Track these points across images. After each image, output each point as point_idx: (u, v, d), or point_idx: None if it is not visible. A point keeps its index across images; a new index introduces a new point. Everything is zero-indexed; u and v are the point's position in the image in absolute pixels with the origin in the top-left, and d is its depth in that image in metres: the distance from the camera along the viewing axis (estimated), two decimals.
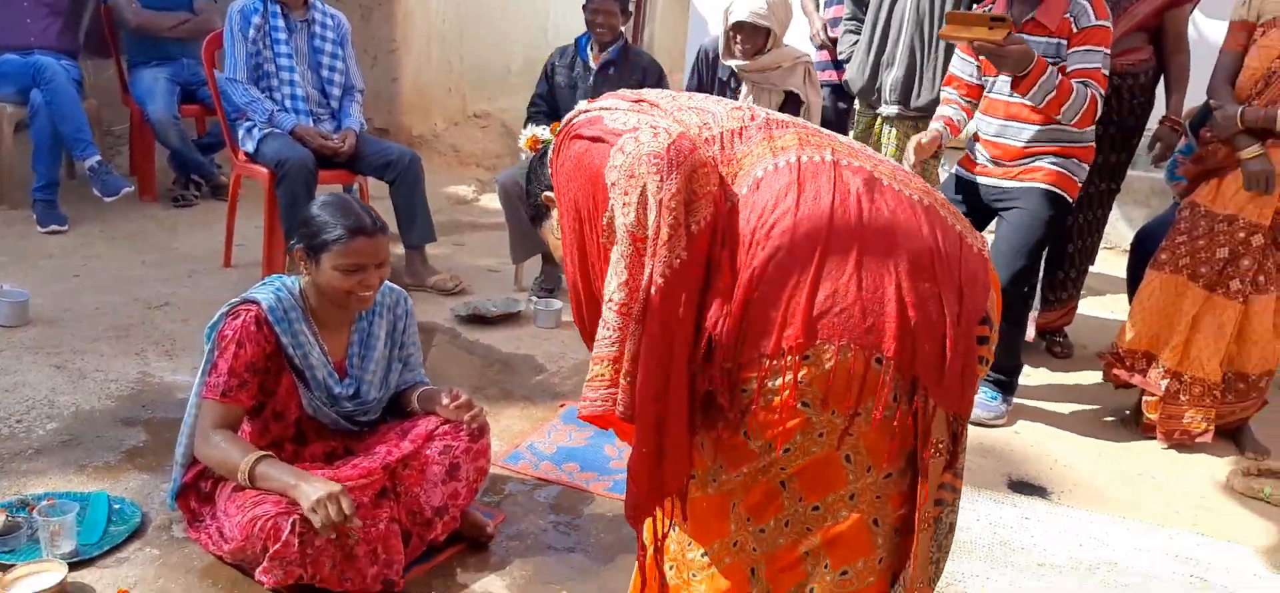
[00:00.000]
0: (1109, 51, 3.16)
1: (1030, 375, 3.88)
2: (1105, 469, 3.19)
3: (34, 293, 3.59)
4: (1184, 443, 3.32)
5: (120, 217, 4.72)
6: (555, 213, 1.68)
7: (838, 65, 4.50)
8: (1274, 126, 3.04)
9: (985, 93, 3.37)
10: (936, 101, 3.87)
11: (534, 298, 4.15)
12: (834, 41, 4.47)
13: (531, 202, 1.77)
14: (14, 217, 4.61)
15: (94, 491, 2.48)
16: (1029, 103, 3.11)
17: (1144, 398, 3.37)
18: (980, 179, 3.39)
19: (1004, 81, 3.24)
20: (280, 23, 4.13)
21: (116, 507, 2.43)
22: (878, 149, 3.95)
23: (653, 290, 1.39)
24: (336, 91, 4.28)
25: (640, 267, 1.41)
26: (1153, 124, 3.99)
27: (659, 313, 1.39)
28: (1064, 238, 4.00)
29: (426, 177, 4.31)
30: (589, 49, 4.31)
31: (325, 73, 4.25)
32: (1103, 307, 4.92)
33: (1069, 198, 3.27)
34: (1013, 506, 2.88)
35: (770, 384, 1.38)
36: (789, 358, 1.37)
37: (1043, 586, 2.50)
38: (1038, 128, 3.21)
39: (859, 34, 4.18)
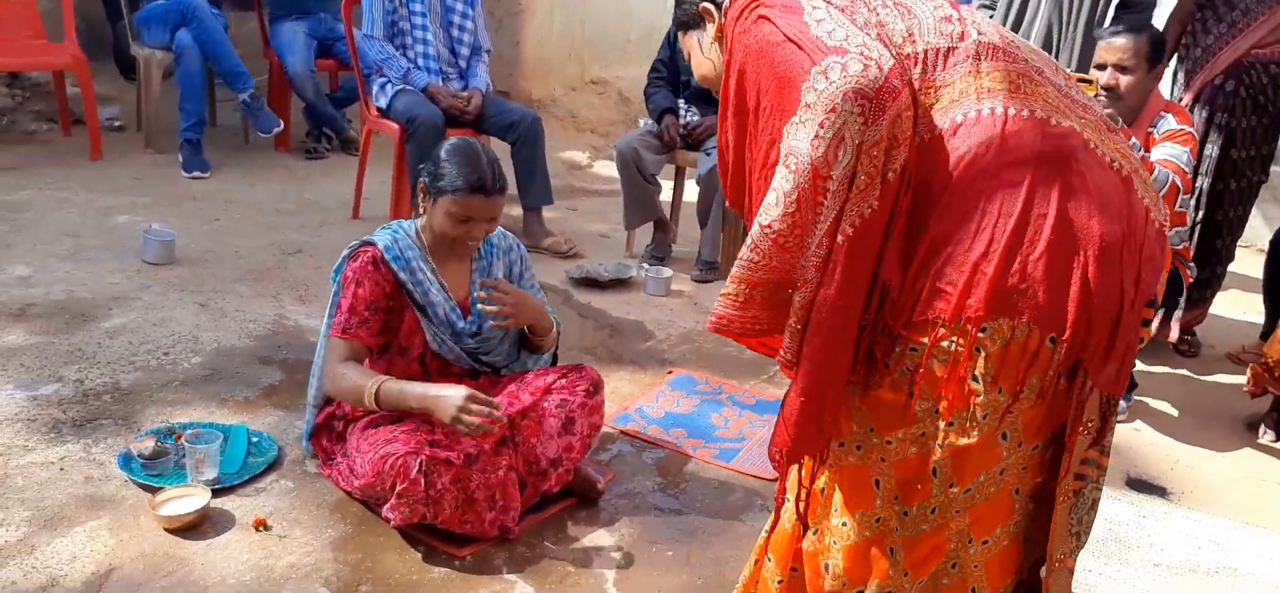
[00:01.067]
0: (1193, 156, 3.01)
1: (1154, 372, 3.76)
2: (1229, 473, 3.08)
3: (179, 234, 3.81)
4: None
5: (257, 165, 4.95)
6: (710, 29, 1.61)
7: None
8: None
9: None
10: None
11: (645, 265, 4.21)
12: None
13: (683, 4, 1.67)
14: (160, 160, 4.89)
15: (234, 423, 2.64)
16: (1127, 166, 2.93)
17: None
18: None
19: None
20: None
21: (255, 440, 2.59)
22: None
23: (839, 239, 1.32)
24: (465, 51, 4.40)
25: (813, 205, 1.33)
26: None
27: (845, 266, 1.33)
28: (1212, 232, 3.85)
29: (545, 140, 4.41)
30: None
31: (455, 32, 4.37)
32: (1233, 305, 4.71)
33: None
34: (1130, 503, 2.81)
35: (942, 348, 1.35)
36: (967, 328, 1.33)
37: (1158, 586, 2.44)
38: None
39: (993, 8, 4.07)
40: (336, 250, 3.96)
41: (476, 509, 2.22)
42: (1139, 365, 3.77)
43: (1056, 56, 3.86)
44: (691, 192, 4.47)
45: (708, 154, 4.21)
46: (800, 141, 1.33)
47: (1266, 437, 3.33)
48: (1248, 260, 5.42)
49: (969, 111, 1.38)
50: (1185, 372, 3.87)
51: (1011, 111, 1.37)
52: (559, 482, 2.43)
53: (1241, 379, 3.43)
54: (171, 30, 4.83)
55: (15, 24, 4.86)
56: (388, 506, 2.18)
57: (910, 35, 1.41)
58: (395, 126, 4.16)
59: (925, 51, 1.40)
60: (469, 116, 4.25)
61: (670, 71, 4.44)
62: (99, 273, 3.51)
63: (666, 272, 4.10)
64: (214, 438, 2.45)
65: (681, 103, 4.43)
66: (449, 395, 2.16)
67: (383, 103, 4.24)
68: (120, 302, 3.30)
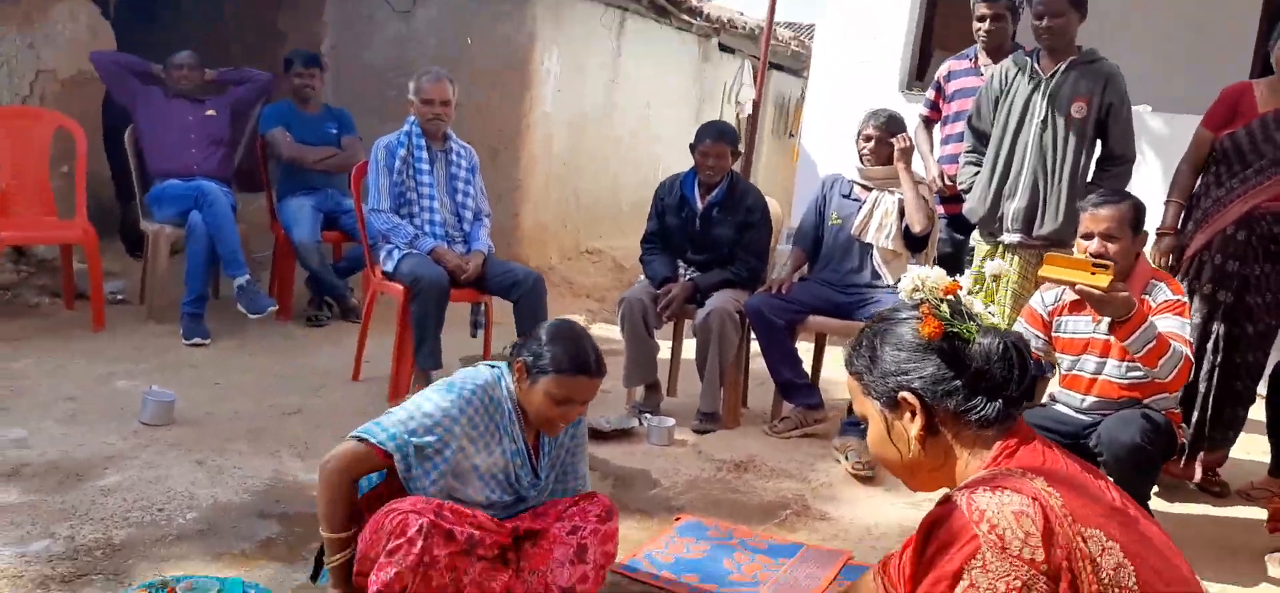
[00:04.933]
0: (1188, 325, 3.06)
1: (1173, 511, 3.69)
2: None
3: (178, 397, 3.78)
4: None
5: (257, 334, 4.97)
6: (906, 418, 1.54)
7: (955, 199, 4.52)
8: None
9: (1065, 370, 3.25)
10: (1059, 230, 3.87)
11: (649, 416, 4.17)
12: (952, 179, 4.50)
13: (881, 378, 1.57)
14: (161, 330, 4.90)
15: (230, 577, 2.55)
16: (1127, 347, 2.90)
17: None
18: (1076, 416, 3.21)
19: (1087, 360, 3.16)
20: (423, 155, 4.42)
21: (251, 592, 2.49)
22: (997, 284, 3.91)
23: None
24: (469, 216, 4.50)
25: None
26: None
27: None
28: (1231, 375, 3.85)
29: None
30: (695, 189, 4.46)
31: (459, 199, 4.49)
32: (1240, 444, 4.66)
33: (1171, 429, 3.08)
34: None
35: None
36: None
37: None
38: (1140, 374, 3.06)
39: (979, 165, 4.19)
40: (336, 411, 3.99)
41: None
42: (1162, 505, 3.71)
43: (1043, 208, 3.94)
44: (688, 347, 4.48)
45: (706, 305, 4.24)
46: None
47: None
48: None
49: None
50: (1205, 509, 3.79)
51: None
52: None
53: (1259, 514, 3.36)
54: (183, 210, 4.95)
55: (28, 199, 4.97)
56: (376, 567, 2.08)
57: None
58: (400, 288, 4.21)
59: None
60: (473, 276, 4.31)
61: (662, 241, 4.55)
62: (95, 434, 3.46)
63: (669, 421, 4.06)
64: (208, 588, 2.36)
65: (681, 266, 4.51)
66: None
67: (389, 267, 4.31)
68: (116, 461, 3.24)
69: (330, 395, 4.21)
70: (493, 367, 2.43)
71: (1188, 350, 2.90)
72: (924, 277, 1.65)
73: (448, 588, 2.12)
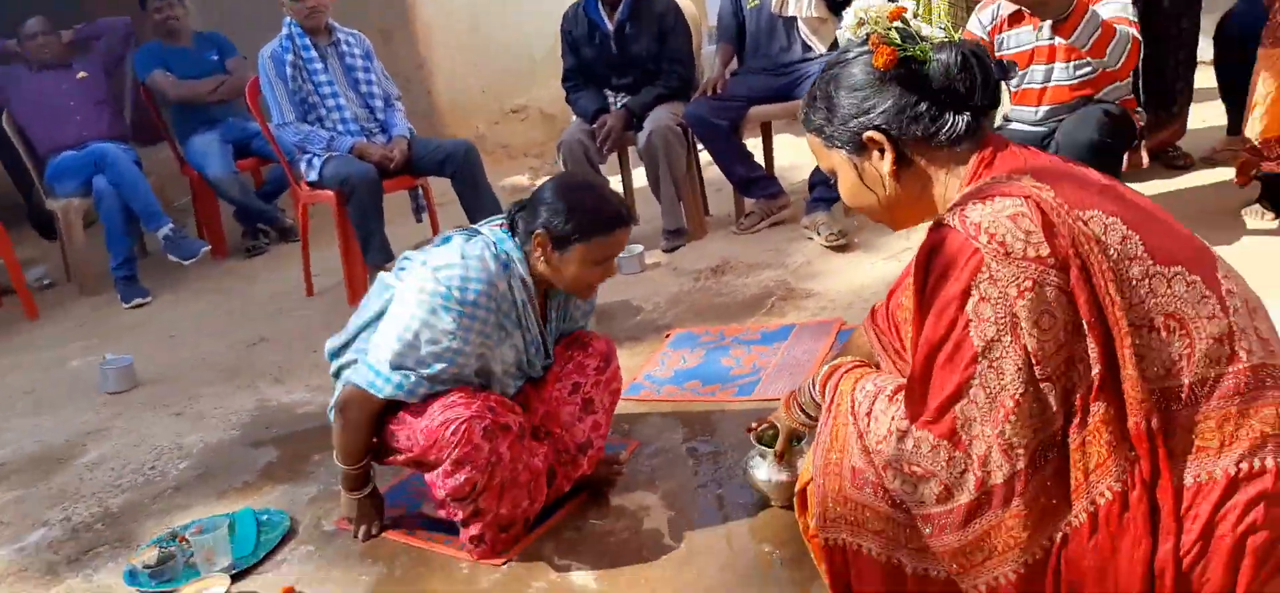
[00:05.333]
0: (1130, 6, 2.96)
1: (1160, 192, 3.73)
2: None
3: (136, 359, 3.63)
4: None
5: (199, 279, 4.79)
6: (875, 158, 1.48)
7: None
8: None
9: (1014, 87, 3.18)
10: None
11: None
12: None
13: (842, 125, 1.49)
14: (97, 302, 4.70)
15: (238, 510, 2.48)
16: (1073, 43, 2.85)
17: None
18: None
19: (1035, 70, 3.09)
20: (313, 54, 4.15)
21: (263, 518, 2.43)
22: (930, 10, 3.81)
23: None
24: (379, 104, 4.28)
25: None
26: None
27: None
28: (1164, 50, 3.83)
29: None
30: (599, 10, 4.26)
31: (364, 89, 4.26)
32: (1193, 116, 4.73)
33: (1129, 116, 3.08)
34: None
35: None
36: None
37: None
38: (1088, 69, 3.02)
39: None
40: (301, 330, 3.88)
41: (514, 493, 2.09)
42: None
43: None
44: (639, 176, 4.39)
45: (644, 126, 4.12)
46: None
47: (1266, 218, 3.30)
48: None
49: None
50: (1174, 184, 3.84)
51: None
52: (591, 463, 2.30)
53: (1226, 174, 3.40)
54: (86, 178, 4.69)
55: None
56: (440, 472, 2.04)
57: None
58: (330, 194, 4.03)
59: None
60: (400, 164, 4.13)
61: (585, 77, 4.38)
62: (65, 417, 3.33)
63: (637, 247, 4.00)
64: (219, 525, 2.30)
65: (609, 95, 4.36)
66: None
67: (313, 176, 4.11)
68: (93, 436, 3.13)
69: (291, 317, 4.09)
70: (492, 247, 2.10)
71: (1133, 31, 2.87)
72: (866, 7, 1.54)
73: (507, 475, 2.07)
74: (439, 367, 2.05)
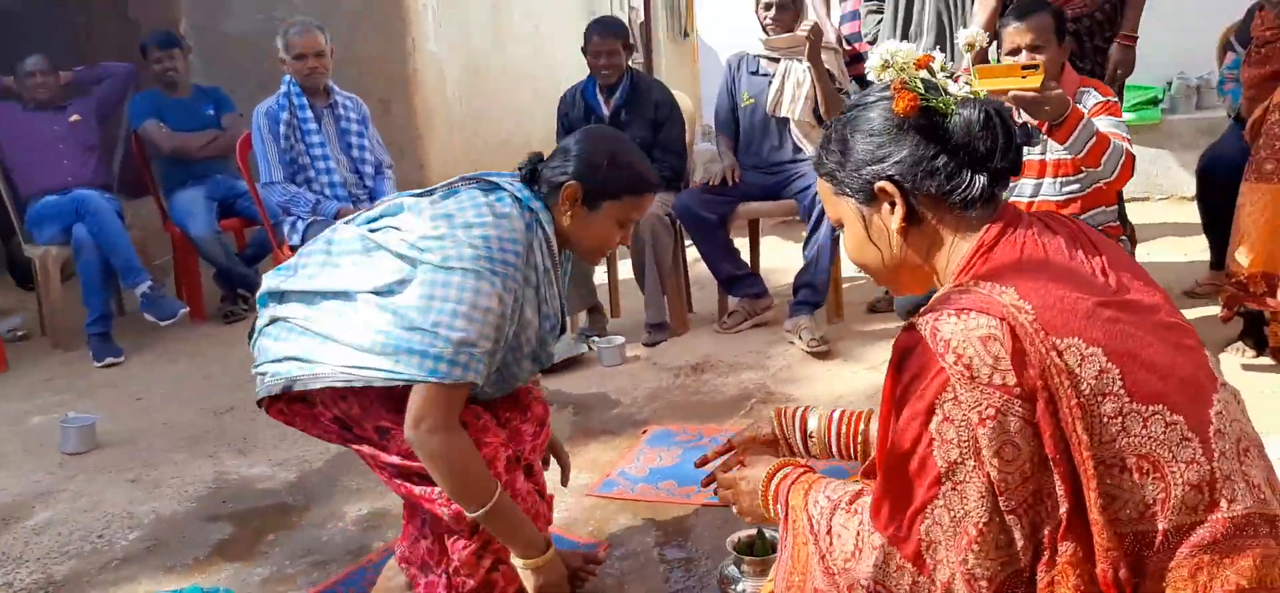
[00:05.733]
0: (1124, 124, 3.05)
1: None
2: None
3: (100, 420, 3.54)
4: None
5: (174, 340, 4.70)
6: (885, 211, 1.41)
7: (858, 59, 4.46)
8: None
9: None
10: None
11: (595, 339, 4.06)
12: (851, 40, 4.41)
13: (855, 171, 1.43)
14: (70, 358, 4.60)
15: (186, 587, 2.38)
16: (1067, 154, 2.91)
17: (1271, 324, 3.17)
18: None
19: (1023, 184, 3.13)
20: (309, 114, 4.15)
21: None
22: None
23: None
24: (370, 170, 4.28)
25: None
26: None
27: None
28: None
29: None
30: (597, 94, 4.29)
31: (356, 153, 4.26)
32: (1171, 250, 4.75)
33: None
34: None
35: None
36: None
37: None
38: (1076, 186, 3.08)
39: (882, 13, 4.12)
40: None
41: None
42: None
43: (950, 49, 3.89)
44: (624, 267, 4.37)
45: None
46: None
47: (1247, 356, 3.29)
48: (1169, 210, 5.57)
49: None
50: None
51: None
52: (543, 526, 2.10)
53: (1211, 310, 3.39)
54: (66, 226, 4.63)
55: None
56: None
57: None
58: None
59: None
60: None
61: None
62: (18, 476, 3.22)
63: (618, 339, 3.95)
64: None
65: None
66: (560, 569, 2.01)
67: (296, 239, 4.07)
68: (44, 497, 3.02)
69: None
70: (518, 204, 1.92)
71: (1127, 146, 2.89)
72: (894, 51, 1.48)
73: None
74: (489, 344, 1.82)
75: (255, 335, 2.03)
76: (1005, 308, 1.26)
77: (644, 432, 3.17)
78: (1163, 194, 5.99)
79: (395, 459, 1.91)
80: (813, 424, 1.77)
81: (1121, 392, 1.23)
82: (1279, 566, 1.22)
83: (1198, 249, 4.17)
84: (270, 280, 2.02)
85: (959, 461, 1.23)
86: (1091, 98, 3.10)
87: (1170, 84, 6.23)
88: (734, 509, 1.72)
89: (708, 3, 6.95)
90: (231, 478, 3.08)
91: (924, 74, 1.42)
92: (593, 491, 2.75)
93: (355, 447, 1.98)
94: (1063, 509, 1.22)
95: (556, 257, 1.97)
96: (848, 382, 3.43)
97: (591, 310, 4.27)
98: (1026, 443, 1.22)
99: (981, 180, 1.38)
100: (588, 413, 3.41)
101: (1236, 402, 1.33)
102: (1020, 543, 1.23)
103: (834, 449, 1.85)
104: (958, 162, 1.38)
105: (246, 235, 5.25)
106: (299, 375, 1.89)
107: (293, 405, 1.98)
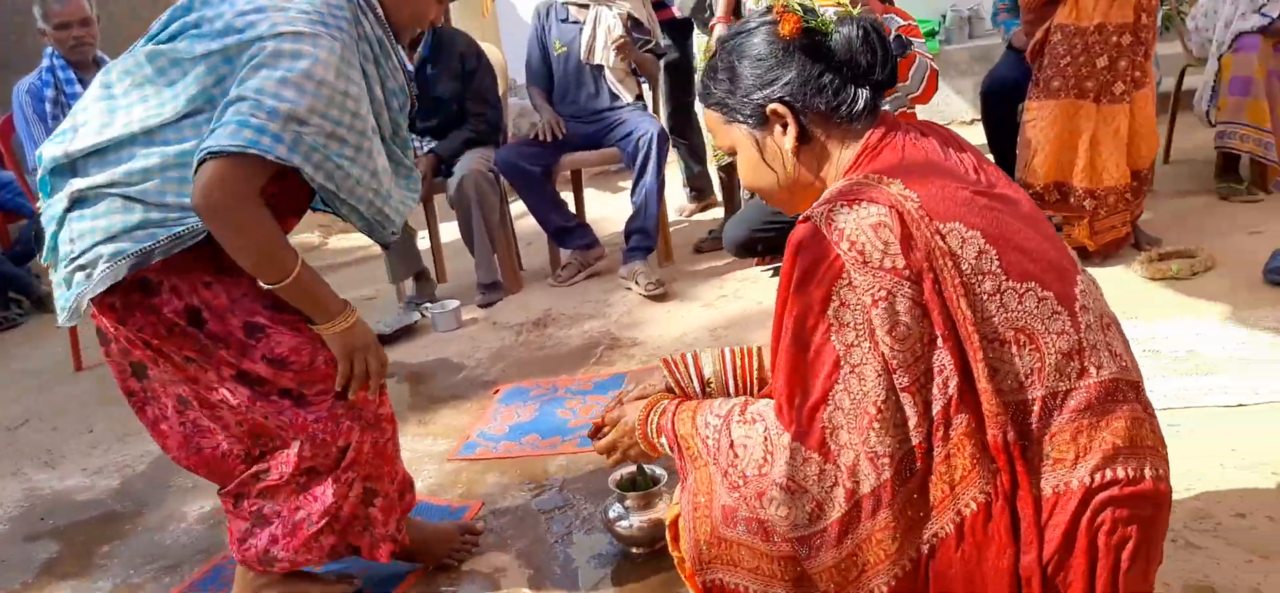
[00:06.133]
0: (925, 45, 3.27)
1: None
2: None
3: None
4: (1111, 251, 3.43)
5: None
6: (778, 132, 1.46)
7: (663, 6, 4.52)
8: None
9: None
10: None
11: (427, 306, 3.93)
12: None
13: (745, 97, 1.47)
14: None
15: None
16: None
17: (1065, 226, 3.46)
18: None
19: None
20: (78, 89, 3.74)
21: None
22: None
23: None
24: None
25: None
26: None
27: None
28: None
29: None
30: (401, 48, 4.11)
31: None
32: None
33: None
34: None
35: None
36: None
37: None
38: (887, 104, 3.26)
39: None
40: (71, 405, 3.44)
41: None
42: None
43: None
44: (448, 229, 4.25)
45: (454, 172, 3.99)
46: None
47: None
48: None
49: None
50: None
51: None
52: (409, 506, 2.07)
53: None
54: None
55: None
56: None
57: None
58: None
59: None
60: None
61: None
62: None
63: (452, 303, 3.84)
64: None
65: (414, 139, 4.19)
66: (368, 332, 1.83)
67: None
68: None
69: (57, 394, 3.63)
70: None
71: (931, 62, 3.08)
72: None
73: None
74: (324, 126, 1.61)
75: (54, 231, 1.70)
76: (893, 197, 1.34)
77: (495, 392, 3.11)
78: (945, 120, 6.45)
79: (258, 366, 1.73)
80: (708, 369, 1.79)
81: (999, 271, 1.33)
82: (1145, 426, 1.36)
83: None
84: (50, 151, 1.69)
85: (854, 342, 1.31)
86: (893, 22, 3.29)
87: (944, 16, 6.69)
88: (611, 457, 1.73)
89: None
90: (43, 493, 2.78)
91: None
92: (454, 455, 2.68)
93: (182, 371, 1.74)
94: (953, 384, 1.31)
95: (386, 24, 1.81)
96: (687, 320, 3.49)
97: (418, 277, 4.13)
98: (916, 323, 1.30)
99: (865, 93, 1.45)
100: (430, 381, 3.30)
101: (1094, 285, 1.45)
102: (913, 421, 1.31)
103: (731, 388, 1.87)
104: (842, 78, 1.44)
105: (11, 231, 4.72)
106: (150, 246, 1.62)
107: (130, 297, 1.69)
